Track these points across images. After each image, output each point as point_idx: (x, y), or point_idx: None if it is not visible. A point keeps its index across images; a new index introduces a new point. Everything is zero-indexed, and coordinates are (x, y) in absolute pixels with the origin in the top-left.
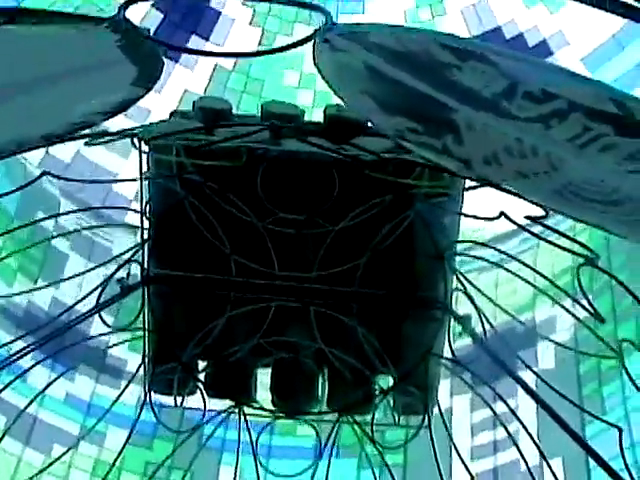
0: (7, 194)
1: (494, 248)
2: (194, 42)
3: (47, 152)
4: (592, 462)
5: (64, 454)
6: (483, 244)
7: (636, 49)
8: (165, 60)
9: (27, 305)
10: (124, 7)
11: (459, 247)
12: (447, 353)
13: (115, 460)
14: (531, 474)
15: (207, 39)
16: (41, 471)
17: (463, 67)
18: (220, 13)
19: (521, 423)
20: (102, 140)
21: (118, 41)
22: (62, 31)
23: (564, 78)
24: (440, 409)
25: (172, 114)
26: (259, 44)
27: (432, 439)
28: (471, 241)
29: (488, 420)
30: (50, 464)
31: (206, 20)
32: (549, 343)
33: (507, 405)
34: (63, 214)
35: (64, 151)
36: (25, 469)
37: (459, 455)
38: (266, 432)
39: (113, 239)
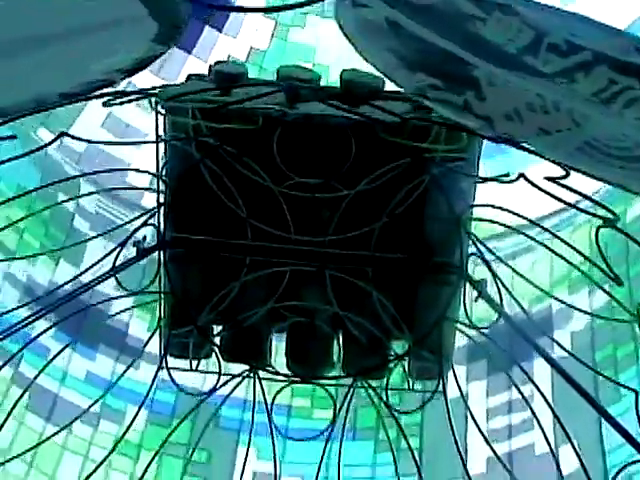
0: (22, 156)
1: (519, 231)
2: (208, 33)
3: (61, 143)
4: (607, 447)
5: (60, 430)
6: (501, 208)
7: None
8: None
9: (49, 286)
10: None
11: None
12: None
13: (125, 432)
14: (552, 452)
15: (220, 30)
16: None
17: (487, 20)
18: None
19: (536, 386)
20: (121, 100)
21: None
22: None
23: (590, 28)
24: (456, 376)
25: (188, 78)
26: (272, 36)
27: (447, 403)
28: (489, 205)
29: (504, 405)
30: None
31: (219, 11)
32: (565, 331)
33: (523, 371)
34: (89, 174)
35: (77, 142)
36: (46, 446)
37: (474, 420)
38: (283, 415)
39: (133, 224)
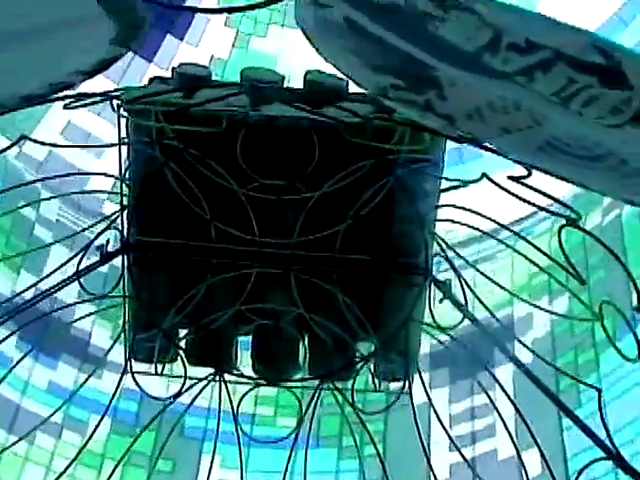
0: None
1: (488, 234)
2: (169, 41)
3: (20, 151)
4: (569, 453)
5: (18, 440)
6: (464, 208)
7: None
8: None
9: (10, 296)
10: None
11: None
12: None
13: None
14: (518, 454)
15: (181, 39)
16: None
17: (447, 19)
18: (195, 13)
19: (501, 387)
20: (82, 102)
21: None
22: None
23: (550, 27)
24: (422, 379)
25: (151, 80)
26: (233, 45)
27: (412, 404)
28: (452, 205)
29: (466, 412)
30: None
31: (181, 20)
32: (526, 338)
33: (490, 373)
34: (49, 178)
35: (38, 150)
36: (8, 457)
37: (439, 420)
38: (247, 424)
39: (95, 230)
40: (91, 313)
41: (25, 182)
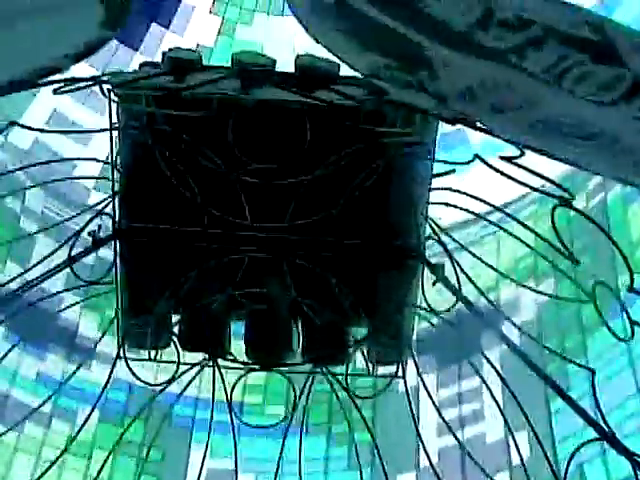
0: None
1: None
2: (154, 30)
3: (5, 140)
4: (558, 437)
5: (8, 430)
6: (459, 191)
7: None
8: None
9: None
10: None
11: None
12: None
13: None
14: (511, 433)
15: (167, 27)
16: None
17: None
18: (180, 1)
19: (493, 367)
20: (71, 87)
21: None
22: None
23: (540, 2)
24: (415, 360)
25: (142, 65)
26: (219, 33)
27: (407, 388)
28: (445, 188)
29: (454, 397)
30: None
31: (166, 8)
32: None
33: (485, 356)
34: (38, 164)
35: (23, 139)
36: None
37: (433, 403)
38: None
39: (80, 221)
40: (77, 302)
41: (8, 170)
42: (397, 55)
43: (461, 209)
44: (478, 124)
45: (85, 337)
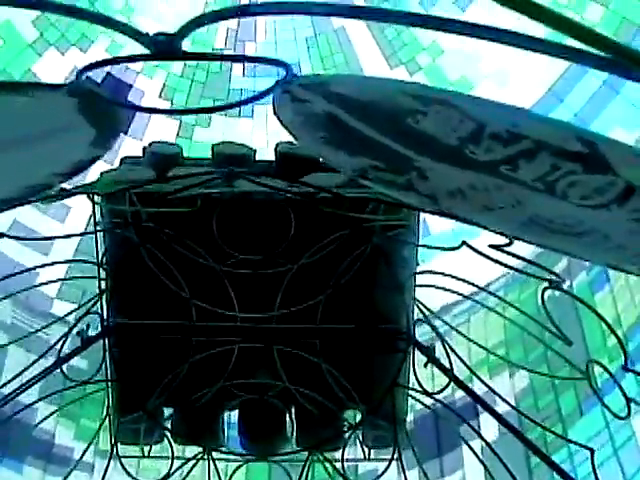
0: None
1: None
2: None
3: None
4: None
5: None
6: (443, 274)
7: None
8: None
9: None
10: (82, 72)
11: None
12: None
13: None
14: None
15: (126, 133)
16: None
17: (428, 112)
18: (132, 86)
19: (484, 440)
20: (58, 197)
21: (76, 105)
22: (18, 99)
23: (529, 119)
24: (413, 448)
25: (122, 161)
26: (177, 135)
27: (404, 471)
28: (431, 271)
29: None
30: None
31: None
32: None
33: (472, 427)
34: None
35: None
36: None
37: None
38: None
39: (51, 331)
40: (55, 411)
41: None
42: (385, 160)
43: (448, 291)
44: (468, 219)
45: (63, 446)
